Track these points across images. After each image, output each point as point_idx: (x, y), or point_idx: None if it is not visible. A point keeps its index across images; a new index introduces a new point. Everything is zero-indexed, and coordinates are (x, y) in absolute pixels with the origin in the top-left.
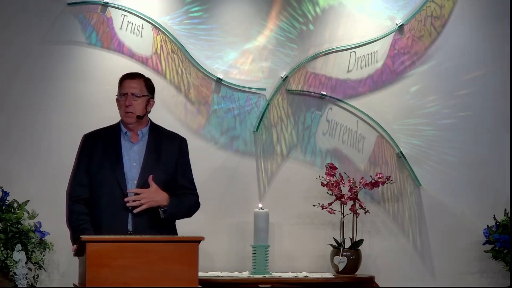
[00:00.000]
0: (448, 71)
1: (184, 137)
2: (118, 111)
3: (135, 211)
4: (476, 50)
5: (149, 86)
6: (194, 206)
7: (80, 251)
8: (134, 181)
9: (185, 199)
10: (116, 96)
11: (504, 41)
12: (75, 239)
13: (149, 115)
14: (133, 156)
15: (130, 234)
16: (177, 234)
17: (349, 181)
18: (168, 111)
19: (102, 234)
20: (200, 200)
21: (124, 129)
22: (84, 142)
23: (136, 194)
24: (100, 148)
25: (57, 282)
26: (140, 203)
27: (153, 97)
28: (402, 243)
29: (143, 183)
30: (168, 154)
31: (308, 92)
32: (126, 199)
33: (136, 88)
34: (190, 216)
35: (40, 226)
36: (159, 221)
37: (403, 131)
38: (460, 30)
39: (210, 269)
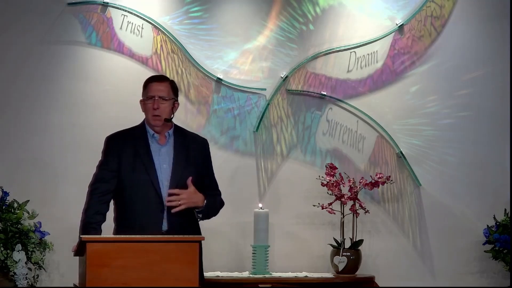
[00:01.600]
0: (448, 71)
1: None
2: (144, 113)
3: (173, 210)
4: (476, 50)
5: (175, 89)
6: (221, 206)
7: (80, 251)
8: (165, 182)
9: (216, 200)
10: (141, 99)
11: (504, 41)
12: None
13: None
14: (162, 158)
15: (164, 234)
16: (200, 234)
17: (349, 181)
18: None
19: (136, 234)
20: None
21: (151, 131)
22: (109, 143)
23: (175, 194)
24: (130, 149)
25: (57, 282)
26: (179, 203)
27: (177, 100)
28: (402, 243)
29: (175, 185)
30: (195, 156)
31: (308, 92)
32: (167, 199)
33: (163, 91)
34: (215, 215)
35: (40, 226)
36: (190, 222)
37: (403, 131)
38: (460, 30)
39: (210, 269)
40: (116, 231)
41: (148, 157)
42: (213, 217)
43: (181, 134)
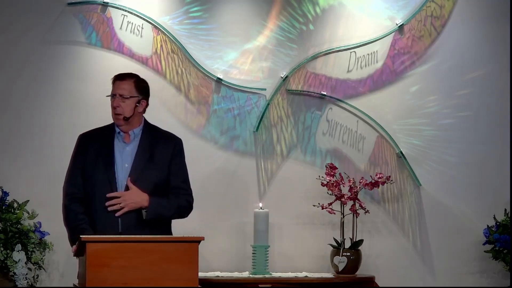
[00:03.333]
0: (448, 71)
1: (181, 137)
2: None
3: (117, 214)
4: (476, 50)
5: (141, 87)
6: (185, 206)
7: (80, 251)
8: (124, 181)
9: (175, 199)
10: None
11: (504, 41)
12: (73, 239)
13: (150, 116)
14: (125, 156)
15: (120, 234)
16: (171, 234)
17: (349, 181)
18: (168, 111)
19: (96, 234)
20: (200, 200)
21: (117, 130)
22: (79, 141)
23: (116, 197)
24: (94, 148)
25: (57, 282)
26: (120, 206)
27: (145, 98)
28: (402, 243)
29: (134, 184)
30: (161, 154)
31: (308, 92)
32: (107, 204)
33: (124, 89)
34: (183, 217)
35: (40, 226)
36: (148, 222)
37: (403, 131)
38: (460, 30)
39: (210, 269)
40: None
41: (108, 155)
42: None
43: (151, 133)
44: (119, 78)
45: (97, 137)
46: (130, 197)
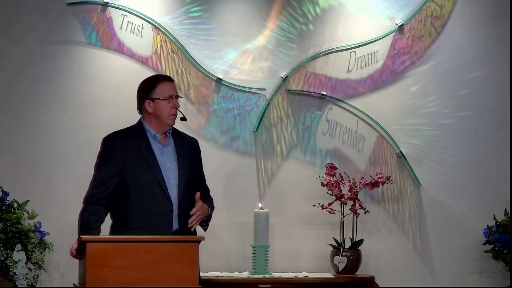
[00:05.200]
0: (448, 71)
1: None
2: (157, 113)
3: (193, 229)
4: (476, 50)
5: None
6: (213, 204)
7: (80, 251)
8: (172, 181)
9: (210, 200)
10: (150, 98)
11: (504, 41)
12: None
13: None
14: (165, 157)
15: (174, 233)
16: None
17: (349, 181)
18: None
19: (146, 235)
20: None
21: (152, 132)
22: (111, 143)
23: (193, 215)
24: (132, 150)
25: (57, 282)
26: (196, 221)
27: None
28: (402, 243)
29: (184, 185)
30: (191, 156)
31: (308, 92)
32: (190, 224)
33: (177, 90)
34: None
35: (40, 226)
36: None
37: (403, 131)
38: (460, 30)
39: (210, 269)
40: (120, 234)
41: (151, 156)
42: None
43: (177, 135)
44: (169, 79)
45: (131, 139)
46: (202, 211)
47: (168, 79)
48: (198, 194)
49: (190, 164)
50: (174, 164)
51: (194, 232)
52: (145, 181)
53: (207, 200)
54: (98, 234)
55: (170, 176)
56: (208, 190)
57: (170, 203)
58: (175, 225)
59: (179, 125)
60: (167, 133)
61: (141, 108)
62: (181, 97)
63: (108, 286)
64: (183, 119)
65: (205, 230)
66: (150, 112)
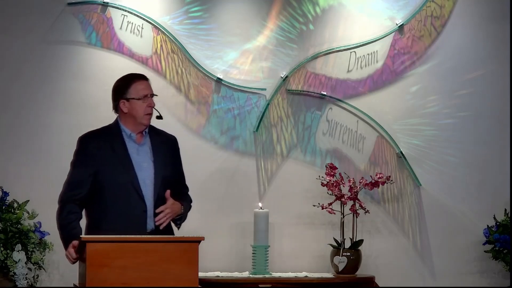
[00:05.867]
0: (448, 71)
1: (181, 137)
2: (132, 113)
3: (162, 227)
4: (476, 50)
5: None
6: (191, 204)
7: (80, 251)
8: (147, 181)
9: (187, 200)
10: (125, 98)
11: (504, 41)
12: (62, 238)
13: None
14: (141, 156)
15: (148, 234)
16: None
17: (349, 181)
18: (168, 111)
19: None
20: (200, 200)
21: (128, 131)
22: (84, 144)
23: (161, 212)
24: (107, 150)
25: (57, 282)
26: (165, 219)
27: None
28: (402, 243)
29: (160, 184)
30: (169, 154)
31: (308, 92)
32: (156, 219)
33: (151, 89)
34: None
35: (40, 226)
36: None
37: (403, 131)
38: (460, 30)
39: (210, 269)
40: (95, 234)
41: (126, 156)
42: (215, 217)
43: (154, 133)
44: (143, 77)
45: (106, 139)
46: (172, 208)
47: (142, 77)
48: (168, 192)
49: (167, 163)
50: (150, 163)
51: (168, 231)
52: (119, 182)
53: (184, 199)
54: (80, 233)
55: (146, 176)
56: (187, 189)
57: (144, 203)
58: (151, 225)
59: (178, 125)
60: (144, 132)
61: (116, 108)
62: (156, 95)
63: (108, 286)
64: (159, 117)
65: (178, 228)
66: (126, 112)
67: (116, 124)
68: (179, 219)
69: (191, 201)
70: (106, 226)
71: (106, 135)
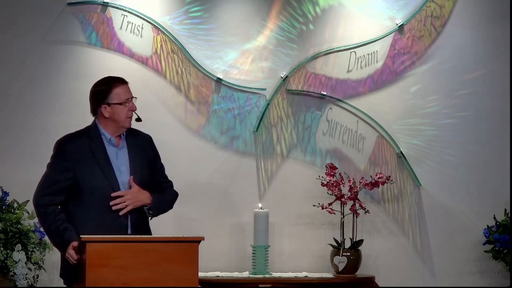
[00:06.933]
0: (448, 71)
1: (181, 137)
2: (114, 117)
3: (121, 213)
4: (476, 50)
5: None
6: (174, 197)
7: (80, 251)
8: (126, 185)
9: (166, 193)
10: (107, 103)
11: (504, 41)
12: (57, 242)
13: (150, 116)
14: (119, 161)
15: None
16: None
17: (349, 181)
18: (168, 111)
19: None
20: (200, 200)
21: (107, 135)
22: (66, 145)
23: (119, 196)
24: (87, 154)
25: (57, 282)
26: (125, 204)
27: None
28: (402, 243)
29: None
30: (145, 155)
31: (308, 92)
32: (111, 203)
33: (131, 92)
34: (172, 208)
35: (40, 226)
36: (146, 221)
37: (403, 131)
38: (460, 30)
39: (210, 269)
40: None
41: (106, 161)
42: (215, 217)
43: (130, 133)
44: (123, 81)
45: (85, 143)
46: (133, 195)
47: (122, 81)
48: (131, 178)
49: (143, 165)
50: (127, 166)
51: (146, 231)
52: (99, 186)
53: (161, 191)
54: (74, 233)
55: (125, 179)
56: (169, 183)
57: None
58: (130, 230)
59: (178, 125)
60: (121, 135)
61: (95, 111)
62: (136, 97)
63: (108, 286)
64: (138, 119)
65: (150, 218)
66: (107, 116)
67: (95, 127)
68: (150, 209)
69: (175, 195)
70: (85, 230)
71: (85, 139)
